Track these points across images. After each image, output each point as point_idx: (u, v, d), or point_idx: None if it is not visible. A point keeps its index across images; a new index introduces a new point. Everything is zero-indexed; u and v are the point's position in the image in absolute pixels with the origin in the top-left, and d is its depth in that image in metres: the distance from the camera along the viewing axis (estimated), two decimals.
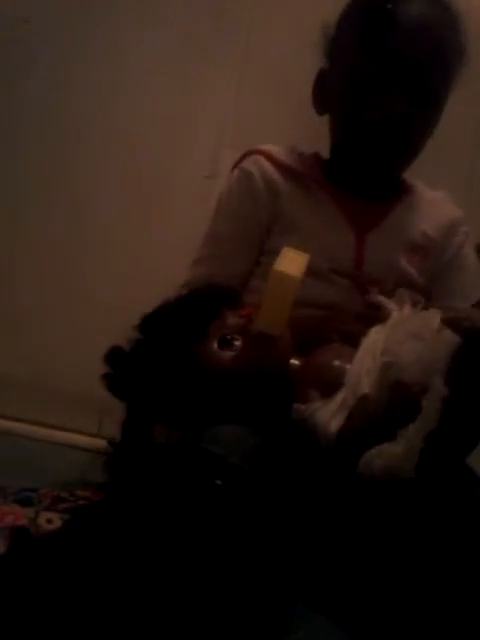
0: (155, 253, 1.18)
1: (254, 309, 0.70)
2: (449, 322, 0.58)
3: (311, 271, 0.79)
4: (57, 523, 0.81)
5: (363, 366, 0.63)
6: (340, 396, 0.62)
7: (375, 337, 0.66)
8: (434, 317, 0.62)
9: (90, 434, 1.16)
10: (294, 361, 0.70)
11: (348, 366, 0.64)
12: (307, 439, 0.62)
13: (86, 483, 0.95)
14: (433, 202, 0.93)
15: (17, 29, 1.22)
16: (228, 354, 0.69)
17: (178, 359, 0.70)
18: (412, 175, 0.97)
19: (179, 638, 0.48)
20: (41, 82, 1.23)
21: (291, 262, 0.69)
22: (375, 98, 0.80)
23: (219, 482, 0.56)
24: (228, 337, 0.70)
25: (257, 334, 0.68)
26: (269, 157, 0.89)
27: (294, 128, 1.03)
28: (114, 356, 0.73)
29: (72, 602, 0.48)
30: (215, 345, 0.70)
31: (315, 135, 0.98)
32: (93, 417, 1.15)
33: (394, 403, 0.58)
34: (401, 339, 0.63)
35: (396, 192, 0.92)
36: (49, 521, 0.82)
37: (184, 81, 1.21)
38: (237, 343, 0.69)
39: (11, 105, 1.24)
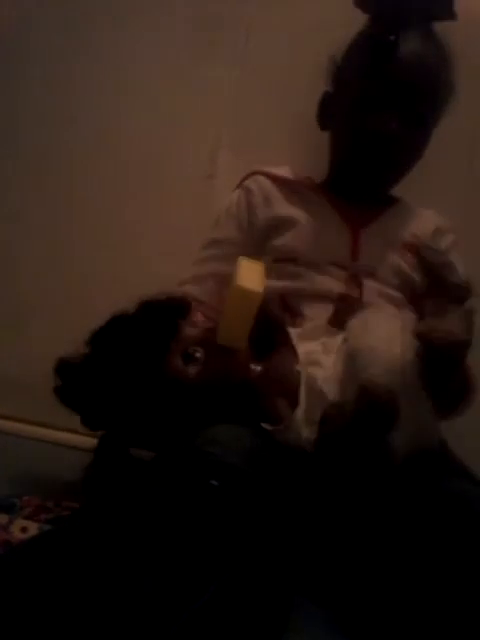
0: (154, 253, 1.18)
1: (207, 318, 0.73)
2: (421, 337, 0.61)
3: (311, 264, 0.91)
4: (32, 531, 0.79)
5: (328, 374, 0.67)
6: (302, 406, 0.65)
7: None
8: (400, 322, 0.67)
9: (89, 435, 1.16)
10: (255, 367, 0.73)
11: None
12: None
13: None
14: (421, 214, 1.02)
15: (17, 29, 1.23)
16: (193, 369, 0.71)
17: (145, 378, 0.71)
18: (412, 179, 1.00)
19: (175, 637, 0.48)
20: (40, 82, 1.24)
21: (251, 274, 0.69)
22: (371, 116, 0.90)
23: (215, 482, 0.56)
24: (190, 351, 0.71)
25: (219, 347, 0.70)
26: (267, 175, 1.00)
27: (292, 129, 1.03)
28: (64, 369, 0.77)
29: (69, 601, 0.48)
30: (180, 361, 0.71)
31: (313, 136, 0.99)
32: None
33: (365, 405, 0.59)
34: (369, 346, 0.65)
35: (386, 203, 1.02)
36: (24, 529, 0.80)
37: (183, 81, 1.21)
38: (199, 356, 0.71)
39: (10, 105, 1.24)
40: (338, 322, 0.77)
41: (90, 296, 1.20)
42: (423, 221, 1.01)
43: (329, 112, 1.00)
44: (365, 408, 0.58)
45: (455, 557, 0.57)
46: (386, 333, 0.67)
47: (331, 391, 0.66)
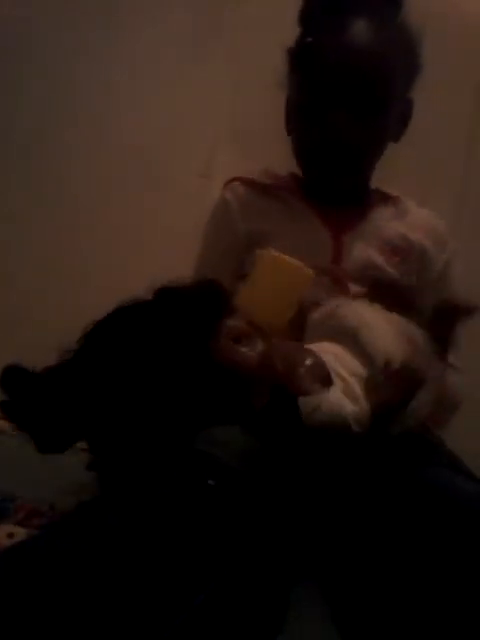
0: (151, 252, 1.19)
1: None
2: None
3: None
4: (19, 538, 0.74)
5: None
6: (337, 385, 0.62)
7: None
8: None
9: None
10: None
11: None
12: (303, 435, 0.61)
13: (83, 484, 0.94)
14: (418, 214, 0.98)
15: (17, 29, 1.23)
16: (250, 353, 0.65)
17: (186, 355, 0.63)
18: (407, 181, 1.01)
19: (171, 637, 0.48)
20: (39, 82, 1.24)
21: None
22: (316, 116, 0.87)
23: (212, 482, 0.56)
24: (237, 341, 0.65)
25: (260, 333, 0.66)
26: (244, 181, 0.97)
27: None
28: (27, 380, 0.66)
29: (64, 601, 0.48)
30: (231, 342, 0.65)
31: None
32: None
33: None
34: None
35: (373, 201, 0.97)
36: (10, 535, 0.77)
37: (181, 80, 1.21)
38: (248, 345, 0.65)
39: (9, 105, 1.25)
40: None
41: (86, 294, 1.21)
42: (418, 222, 0.96)
43: (287, 116, 0.98)
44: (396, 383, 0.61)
45: (436, 551, 0.57)
46: (379, 315, 0.68)
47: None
